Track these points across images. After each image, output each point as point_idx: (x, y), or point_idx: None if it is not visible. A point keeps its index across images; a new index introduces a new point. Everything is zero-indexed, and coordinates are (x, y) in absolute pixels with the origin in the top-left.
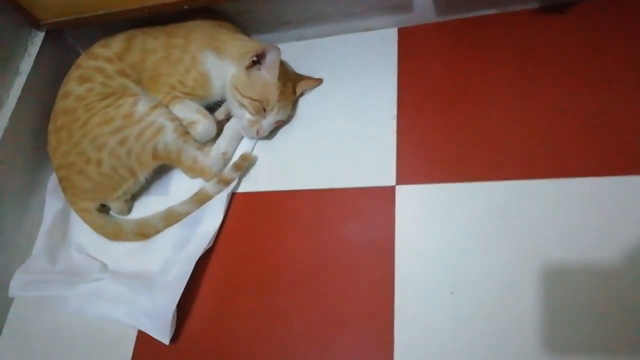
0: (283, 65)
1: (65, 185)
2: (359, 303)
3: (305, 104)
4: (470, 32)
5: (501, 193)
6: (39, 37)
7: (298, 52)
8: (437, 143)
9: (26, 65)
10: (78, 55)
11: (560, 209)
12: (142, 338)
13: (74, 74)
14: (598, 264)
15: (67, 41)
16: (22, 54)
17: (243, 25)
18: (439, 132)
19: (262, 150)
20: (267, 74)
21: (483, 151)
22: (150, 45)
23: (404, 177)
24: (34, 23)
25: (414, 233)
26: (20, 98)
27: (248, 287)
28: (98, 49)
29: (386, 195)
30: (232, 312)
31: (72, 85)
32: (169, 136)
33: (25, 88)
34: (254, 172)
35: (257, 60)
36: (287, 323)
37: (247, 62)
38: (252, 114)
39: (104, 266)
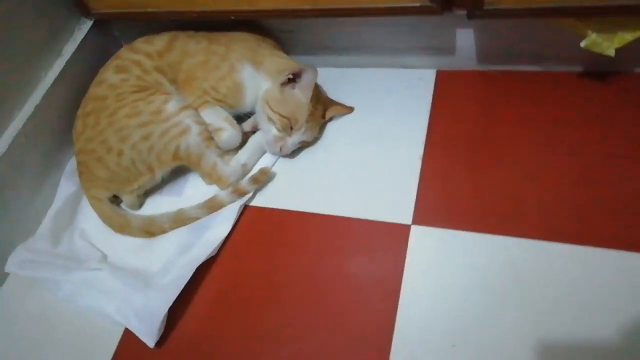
0: (317, 88)
1: (82, 170)
2: (354, 341)
3: (333, 129)
4: (509, 86)
5: (519, 250)
6: (86, 25)
7: (333, 78)
8: (458, 189)
9: (69, 49)
10: (120, 48)
11: (579, 279)
12: (127, 337)
13: (112, 63)
14: (604, 344)
15: (112, 33)
16: (68, 38)
17: (284, 43)
18: (462, 179)
19: (282, 168)
20: (301, 94)
21: (505, 205)
22: (192, 49)
23: (421, 217)
24: (85, 11)
25: (422, 277)
26: (57, 79)
27: (243, 303)
28: (141, 44)
29: (400, 233)
30: (223, 327)
31: (108, 74)
32: (193, 139)
33: (64, 70)
34: (270, 188)
35: (293, 79)
36: (276, 349)
37: (283, 79)
38: (278, 130)
39: (104, 257)
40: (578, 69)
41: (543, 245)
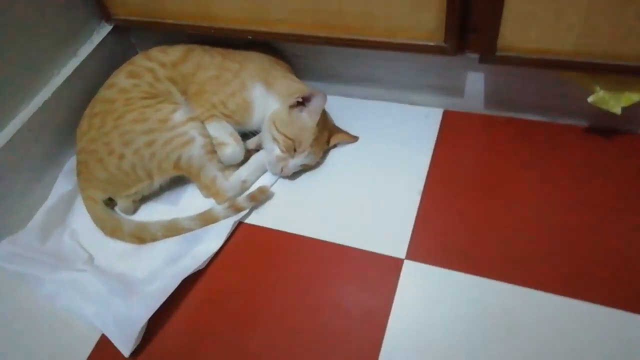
0: (324, 114)
1: (82, 169)
2: None
3: (336, 156)
4: (513, 133)
5: (509, 296)
6: (105, 29)
7: (341, 107)
8: (454, 229)
9: (85, 50)
10: (135, 55)
11: (568, 331)
12: (103, 343)
13: (125, 68)
14: None
15: (129, 40)
16: (85, 40)
17: (297, 68)
18: (459, 219)
19: (281, 188)
20: (308, 118)
21: (499, 250)
22: (206, 62)
23: (415, 253)
24: (106, 15)
25: (411, 313)
26: (69, 78)
27: (226, 321)
28: (156, 52)
29: (393, 266)
30: (202, 344)
31: (120, 78)
32: (196, 150)
33: (77, 70)
34: (266, 207)
35: (302, 102)
36: None
37: (292, 101)
38: (282, 151)
39: (91, 259)
40: (583, 123)
41: (534, 293)
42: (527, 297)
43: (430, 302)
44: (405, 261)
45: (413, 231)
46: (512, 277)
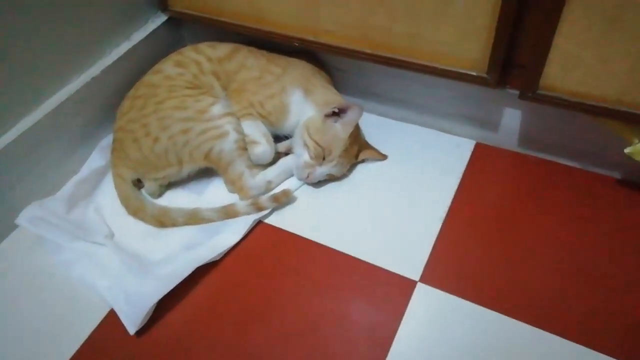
0: (357, 128)
1: (116, 147)
2: None
3: (363, 171)
4: (543, 175)
5: (520, 335)
6: (160, 19)
7: (374, 125)
8: (472, 260)
9: (138, 36)
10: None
11: None
12: (110, 318)
13: (173, 57)
14: None
15: (181, 33)
16: (140, 26)
17: (336, 81)
18: (477, 250)
19: (304, 194)
20: (341, 129)
21: (513, 287)
22: (250, 63)
23: (429, 277)
24: (163, 5)
25: (417, 336)
26: (119, 59)
27: (231, 316)
28: (205, 47)
29: (405, 287)
30: (205, 334)
31: (167, 65)
32: (228, 145)
33: (128, 53)
34: (288, 211)
35: (338, 113)
36: None
37: (329, 110)
38: (311, 157)
39: (111, 235)
40: (616, 175)
41: (542, 334)
42: (535, 337)
43: (438, 328)
44: (419, 284)
45: (430, 256)
46: (523, 315)
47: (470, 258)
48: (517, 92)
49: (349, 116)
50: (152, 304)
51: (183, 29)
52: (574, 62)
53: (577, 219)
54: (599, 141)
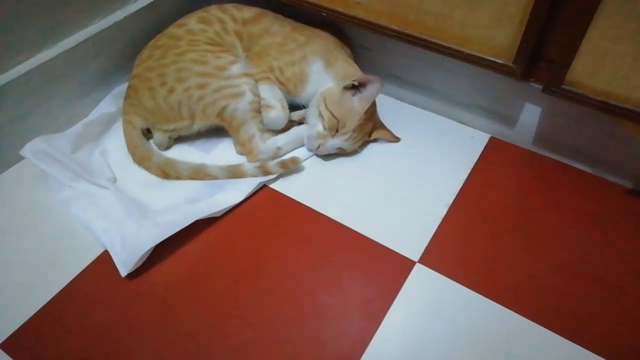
0: (374, 106)
1: (130, 94)
2: (322, 348)
3: (374, 150)
4: (554, 176)
5: (516, 327)
6: None
7: (392, 107)
8: (472, 248)
9: None
10: None
11: None
12: (103, 259)
13: (198, 13)
14: None
15: None
16: None
17: (359, 58)
18: (479, 240)
19: (313, 165)
20: (358, 103)
21: (512, 278)
22: (274, 29)
23: (428, 258)
24: None
25: (409, 315)
26: (143, 8)
27: (225, 275)
28: (231, 7)
29: (403, 266)
30: (195, 289)
31: (191, 20)
32: (243, 105)
33: (153, 4)
34: (294, 178)
35: (357, 87)
36: (236, 330)
37: (348, 83)
38: (324, 128)
39: (114, 179)
40: (627, 184)
41: (539, 329)
42: (531, 331)
43: (432, 310)
44: (417, 264)
45: (432, 239)
46: (521, 307)
47: (471, 246)
48: (540, 87)
49: (369, 90)
50: (147, 249)
51: None
52: (604, 58)
53: (582, 222)
54: (616, 148)
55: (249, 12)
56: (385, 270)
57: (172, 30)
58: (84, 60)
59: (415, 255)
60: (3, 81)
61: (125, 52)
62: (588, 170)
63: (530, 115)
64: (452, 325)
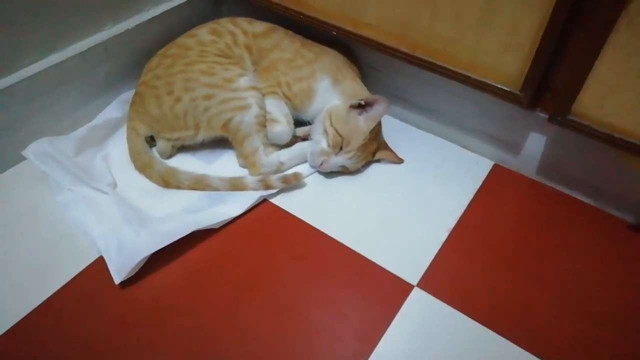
0: (379, 126)
1: (137, 100)
2: None
3: (377, 170)
4: (556, 207)
5: (508, 354)
6: None
7: (396, 129)
8: (472, 275)
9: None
10: None
11: None
12: (97, 265)
13: (209, 24)
14: None
15: (221, 7)
16: None
17: (366, 78)
18: (479, 267)
19: (315, 182)
20: (364, 122)
21: (510, 307)
22: (284, 44)
23: (426, 283)
24: None
25: (405, 340)
26: (156, 17)
27: (219, 286)
28: (242, 21)
29: (401, 289)
30: (188, 300)
31: (202, 31)
32: (248, 118)
33: (166, 14)
34: (295, 194)
35: (363, 106)
36: (234, 344)
37: (355, 102)
38: (328, 145)
39: (114, 185)
40: (630, 218)
41: (530, 358)
42: (522, 358)
43: (428, 335)
44: (415, 288)
45: (431, 263)
46: (516, 337)
47: (471, 272)
48: (546, 116)
49: (375, 110)
50: (143, 257)
51: (223, 5)
52: (611, 91)
53: (583, 255)
54: (620, 182)
55: (260, 26)
56: (383, 292)
57: (183, 40)
58: (94, 65)
59: (413, 279)
60: (12, 81)
61: (135, 58)
62: (591, 202)
63: (535, 143)
64: (448, 352)
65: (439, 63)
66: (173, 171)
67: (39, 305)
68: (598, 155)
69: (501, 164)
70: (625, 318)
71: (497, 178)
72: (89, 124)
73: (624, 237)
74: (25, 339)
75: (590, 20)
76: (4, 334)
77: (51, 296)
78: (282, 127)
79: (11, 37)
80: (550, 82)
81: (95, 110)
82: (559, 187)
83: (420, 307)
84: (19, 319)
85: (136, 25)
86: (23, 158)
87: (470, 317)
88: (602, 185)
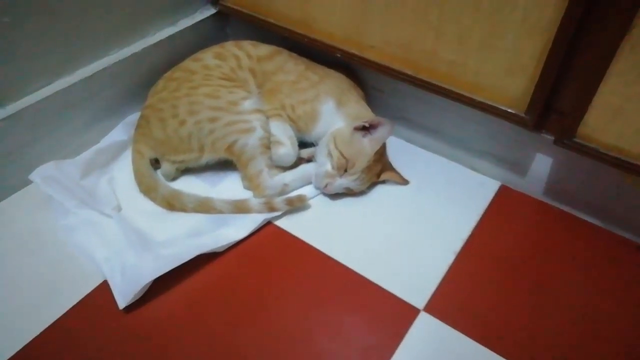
0: (383, 148)
1: (142, 123)
2: None
3: (382, 192)
4: (563, 228)
5: None
6: (208, 11)
7: (402, 150)
8: (479, 298)
9: (184, 23)
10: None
11: None
12: (101, 290)
13: (214, 48)
14: None
15: (225, 29)
16: (187, 14)
17: (371, 100)
18: (486, 289)
19: (319, 204)
20: (368, 144)
21: (517, 331)
22: (289, 67)
23: (433, 307)
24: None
25: None
26: (161, 41)
27: (223, 311)
28: (247, 44)
29: (407, 313)
30: (191, 324)
31: (207, 55)
32: (252, 140)
33: (171, 38)
34: (299, 217)
35: (367, 129)
36: None
37: (359, 124)
38: (333, 167)
39: (118, 208)
40: (638, 240)
41: None
42: None
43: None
44: (422, 312)
45: (438, 287)
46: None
47: (478, 296)
48: (552, 138)
49: (379, 132)
50: (147, 282)
51: (228, 26)
52: (616, 114)
53: (592, 278)
54: (628, 203)
55: (264, 49)
56: (389, 316)
57: (188, 63)
58: (99, 89)
59: (420, 303)
60: (20, 106)
61: (140, 82)
62: (598, 223)
63: (542, 165)
64: None
65: (443, 85)
66: (177, 194)
67: (42, 332)
68: (605, 176)
69: (508, 185)
70: (638, 341)
71: (503, 199)
72: (95, 147)
73: (634, 258)
74: None
75: (594, 44)
76: (10, 358)
77: (55, 321)
78: (286, 149)
79: (20, 64)
80: (556, 104)
81: (101, 133)
82: (566, 208)
83: (427, 331)
84: (25, 343)
85: (142, 49)
86: (29, 181)
87: (477, 342)
88: (610, 207)
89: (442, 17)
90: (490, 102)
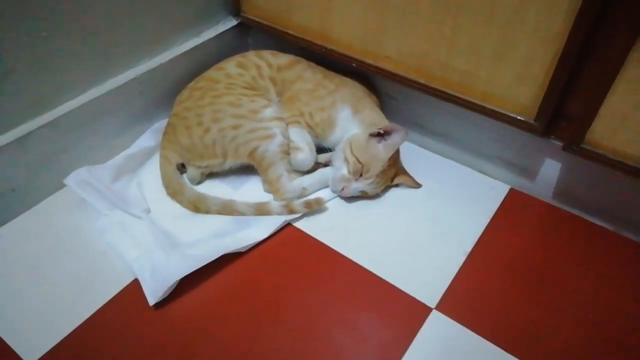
0: (397, 153)
1: (169, 130)
2: None
3: (396, 195)
4: (573, 231)
5: None
6: (230, 23)
7: (414, 155)
8: (489, 297)
9: (208, 34)
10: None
11: None
12: (132, 288)
13: (236, 58)
14: None
15: (247, 40)
16: (211, 26)
17: (385, 106)
18: (496, 289)
19: (336, 206)
20: (383, 150)
21: (527, 330)
22: (307, 76)
23: (444, 306)
24: (236, 10)
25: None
26: (187, 52)
27: (246, 308)
28: (267, 54)
29: (420, 312)
30: (217, 320)
31: (230, 64)
32: (273, 147)
33: (196, 48)
34: (317, 218)
35: (382, 135)
36: None
37: (374, 130)
38: (349, 172)
39: (147, 210)
40: None
41: None
42: None
43: (445, 357)
44: (434, 311)
45: (449, 286)
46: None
47: (488, 295)
48: (561, 144)
49: (393, 138)
50: (175, 280)
51: (249, 36)
52: (623, 121)
53: (602, 279)
54: (636, 206)
55: (284, 59)
56: (402, 314)
57: (211, 73)
58: (129, 98)
59: (432, 302)
60: (56, 115)
61: (167, 90)
62: (608, 226)
63: (551, 169)
64: None
65: (454, 94)
66: (202, 197)
67: (76, 328)
68: (613, 180)
69: (517, 189)
70: None
71: (513, 202)
72: (124, 153)
73: None
74: (68, 356)
75: (603, 53)
76: (46, 353)
77: (89, 317)
78: (304, 154)
79: (56, 75)
80: (564, 111)
81: (130, 139)
82: (575, 212)
83: (438, 329)
84: (62, 337)
85: (169, 60)
86: (63, 185)
87: (488, 340)
88: (619, 210)
89: (456, 28)
90: (501, 110)
